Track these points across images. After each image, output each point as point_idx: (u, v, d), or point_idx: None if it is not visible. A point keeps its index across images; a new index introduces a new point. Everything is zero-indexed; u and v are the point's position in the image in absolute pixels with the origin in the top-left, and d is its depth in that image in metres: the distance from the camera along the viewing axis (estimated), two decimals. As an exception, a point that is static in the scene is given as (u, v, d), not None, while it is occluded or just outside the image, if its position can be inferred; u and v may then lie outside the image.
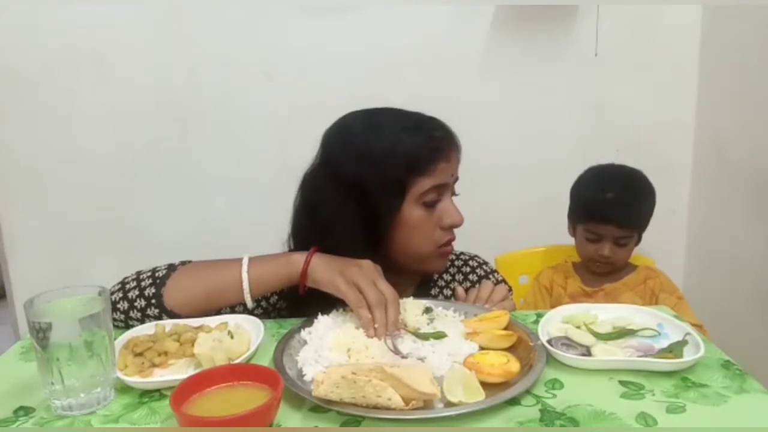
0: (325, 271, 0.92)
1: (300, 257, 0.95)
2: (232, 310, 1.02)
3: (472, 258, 1.24)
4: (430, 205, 1.02)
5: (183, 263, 1.00)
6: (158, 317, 0.94)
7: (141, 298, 0.94)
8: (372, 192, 0.99)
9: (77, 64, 1.83)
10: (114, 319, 0.96)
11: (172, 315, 0.94)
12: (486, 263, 1.25)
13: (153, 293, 0.94)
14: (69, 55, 1.82)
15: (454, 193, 1.07)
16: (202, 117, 1.89)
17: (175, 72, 1.85)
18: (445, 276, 1.20)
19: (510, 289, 1.20)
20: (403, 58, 1.85)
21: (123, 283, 0.98)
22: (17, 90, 1.83)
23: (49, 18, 1.79)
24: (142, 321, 0.95)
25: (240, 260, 0.95)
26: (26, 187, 1.90)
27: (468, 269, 1.21)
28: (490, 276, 1.21)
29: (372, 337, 0.85)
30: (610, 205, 1.51)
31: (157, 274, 0.97)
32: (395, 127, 1.02)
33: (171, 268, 0.98)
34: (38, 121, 1.86)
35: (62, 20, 1.79)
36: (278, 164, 1.89)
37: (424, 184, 1.00)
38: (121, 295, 0.96)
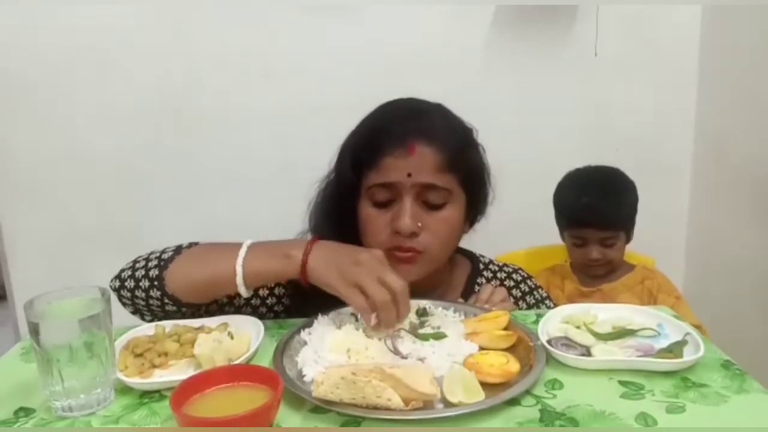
0: (324, 272, 0.87)
1: (299, 252, 0.88)
2: (231, 300, 1.02)
3: (515, 271, 1.19)
4: (383, 205, 0.99)
5: (190, 245, 0.99)
6: (161, 300, 0.93)
7: (145, 279, 0.94)
8: (334, 186, 1.06)
9: (77, 64, 1.83)
10: (121, 296, 0.97)
11: (174, 299, 0.93)
12: (530, 277, 1.20)
13: (156, 275, 0.93)
14: (69, 55, 1.82)
15: (434, 205, 0.98)
16: (201, 116, 1.89)
17: (175, 72, 1.86)
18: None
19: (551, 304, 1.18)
20: (403, 58, 1.85)
21: (134, 261, 0.98)
22: (17, 90, 1.84)
23: (49, 18, 1.79)
24: (146, 302, 0.95)
25: (240, 248, 0.91)
26: (26, 187, 1.90)
27: (512, 283, 1.16)
28: (535, 292, 1.17)
29: (380, 339, 0.84)
30: (588, 209, 1.50)
31: (163, 256, 0.96)
32: (361, 122, 1.05)
33: (177, 250, 0.97)
34: (38, 121, 1.86)
35: (62, 20, 1.79)
36: (278, 163, 1.89)
37: (371, 178, 0.98)
38: (129, 273, 0.96)
